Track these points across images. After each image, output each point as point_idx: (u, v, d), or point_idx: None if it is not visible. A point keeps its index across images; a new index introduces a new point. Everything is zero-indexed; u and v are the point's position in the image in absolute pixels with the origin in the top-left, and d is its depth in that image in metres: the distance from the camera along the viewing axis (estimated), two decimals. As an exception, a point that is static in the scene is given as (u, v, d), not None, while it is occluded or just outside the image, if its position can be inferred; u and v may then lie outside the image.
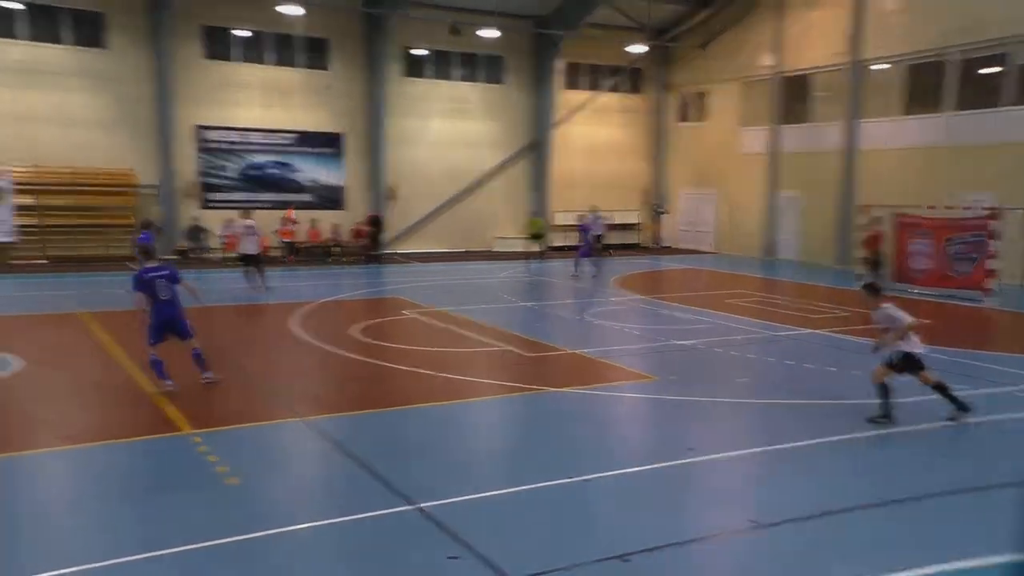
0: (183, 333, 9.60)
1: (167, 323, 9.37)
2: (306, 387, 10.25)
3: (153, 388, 9.44)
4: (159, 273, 9.42)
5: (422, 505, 6.18)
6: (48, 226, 22.89)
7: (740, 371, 11.06)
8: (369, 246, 26.40)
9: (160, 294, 9.30)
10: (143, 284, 9.27)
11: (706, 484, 7.02)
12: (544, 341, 13.05)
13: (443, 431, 8.48)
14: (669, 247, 31.92)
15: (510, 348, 12.49)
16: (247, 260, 18.11)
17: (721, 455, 7.58)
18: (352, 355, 11.78)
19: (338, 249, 26.20)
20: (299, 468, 7.49)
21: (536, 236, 27.49)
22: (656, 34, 30.65)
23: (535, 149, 30.64)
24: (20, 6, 22.28)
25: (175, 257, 23.80)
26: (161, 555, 5.34)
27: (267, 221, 25.17)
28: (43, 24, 22.82)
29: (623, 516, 6.20)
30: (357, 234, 26.77)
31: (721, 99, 30.30)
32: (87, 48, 23.49)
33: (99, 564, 5.24)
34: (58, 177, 23.10)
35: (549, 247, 28.59)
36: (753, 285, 20.80)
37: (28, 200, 22.45)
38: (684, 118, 32.36)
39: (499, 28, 26.91)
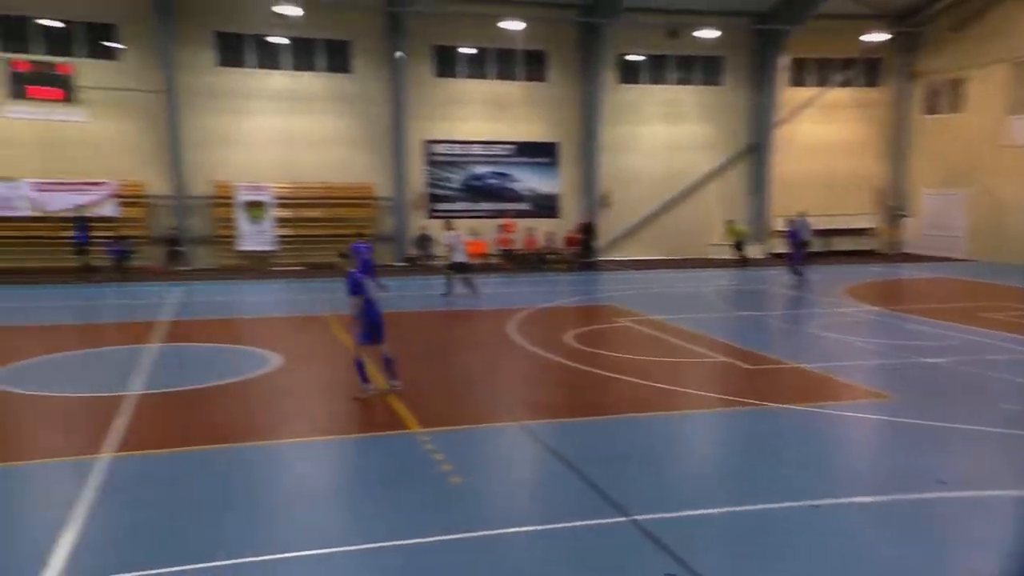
0: (383, 336, 9.85)
1: (376, 325, 9.72)
2: (523, 391, 10.56)
3: (386, 387, 10.22)
4: (363, 277, 9.82)
5: (637, 517, 6.11)
6: (303, 236, 25.74)
7: (1001, 396, 9.72)
8: (581, 253, 26.73)
9: (370, 295, 9.74)
10: (359, 286, 9.67)
11: (964, 525, 6.22)
12: (764, 353, 12.39)
13: (658, 443, 8.33)
14: (910, 253, 28.96)
15: (727, 359, 12.00)
16: (457, 268, 19.09)
17: (981, 493, 6.70)
18: (566, 361, 11.96)
19: (552, 256, 26.80)
20: (517, 471, 7.72)
21: (738, 243, 26.29)
22: (898, 19, 27.97)
23: (755, 151, 29.28)
24: (285, 40, 25.30)
25: (405, 264, 25.74)
26: (392, 545, 5.75)
27: (486, 229, 26.50)
28: (302, 55, 25.70)
29: (867, 550, 5.69)
30: (570, 241, 27.22)
31: (983, 85, 26.95)
32: (336, 74, 26.08)
33: (335, 549, 5.76)
34: (312, 192, 25.90)
35: (771, 253, 27.12)
36: (1018, 297, 18.24)
37: (287, 213, 25.43)
38: (932, 110, 29.21)
39: (718, 28, 26.03)
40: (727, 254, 26.81)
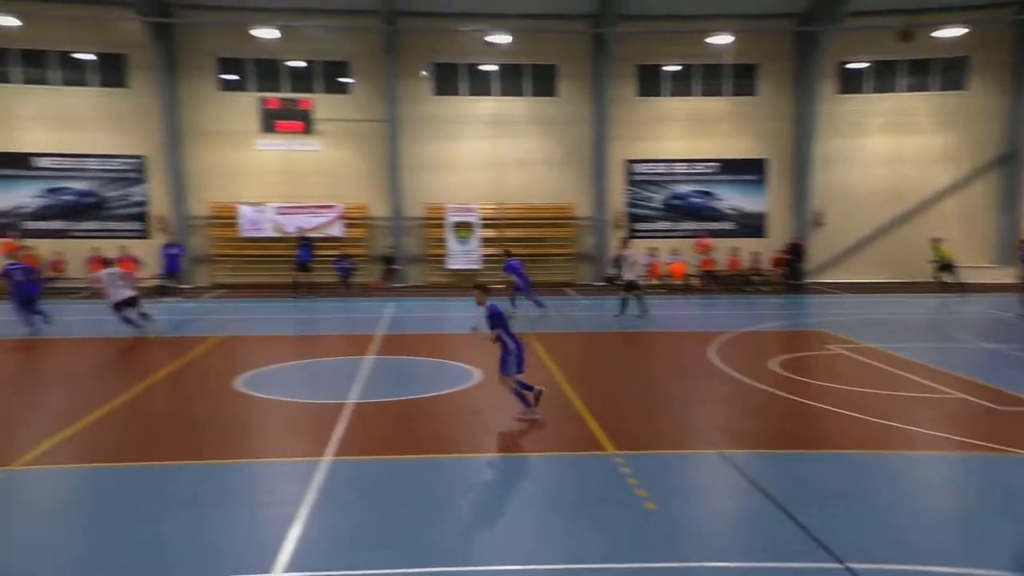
0: (523, 366, 9.96)
1: (521, 355, 9.83)
2: (723, 418, 10.11)
3: (582, 406, 10.23)
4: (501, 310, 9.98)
5: (853, 566, 5.58)
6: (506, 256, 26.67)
7: None
8: (789, 275, 25.21)
9: (511, 327, 9.89)
10: (499, 318, 9.83)
11: None
12: (1015, 392, 10.88)
13: (876, 483, 7.57)
14: None
15: (964, 396, 10.69)
16: (629, 287, 18.72)
17: None
18: (772, 389, 11.29)
19: (757, 278, 25.54)
20: (715, 502, 7.38)
21: (945, 266, 23.38)
22: None
23: (1007, 162, 26.02)
24: (494, 68, 26.52)
25: (603, 284, 25.75)
26: (586, 568, 5.71)
27: (687, 250, 25.86)
28: (510, 81, 26.77)
29: None
30: (776, 262, 25.79)
31: None
32: (541, 98, 26.86)
33: (531, 567, 5.81)
34: (515, 213, 26.81)
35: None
36: None
37: (491, 233, 26.53)
38: None
39: (965, 24, 23.51)
40: (970, 278, 24.02)
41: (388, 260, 25.86)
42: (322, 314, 20.10)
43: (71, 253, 24.01)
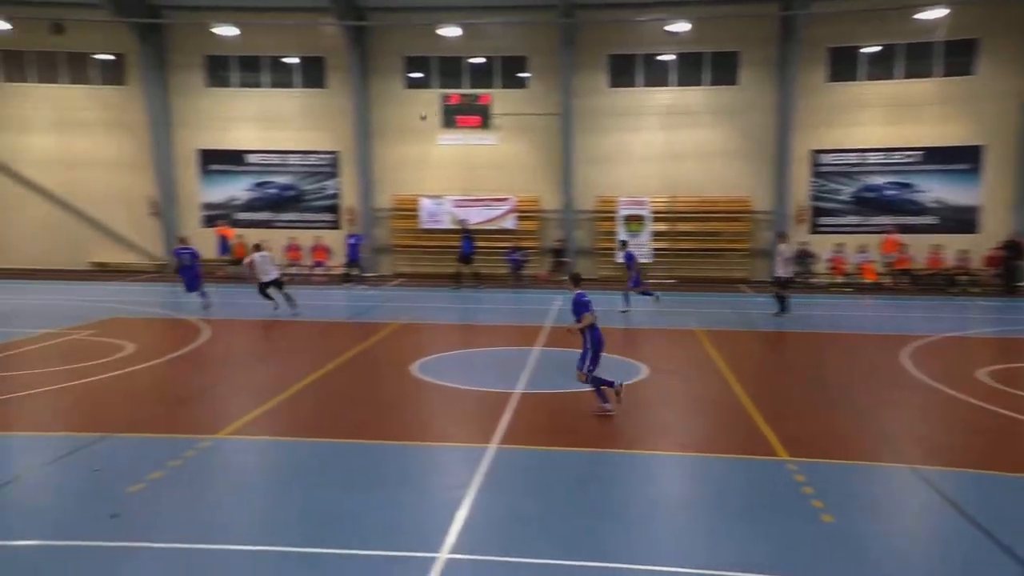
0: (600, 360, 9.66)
1: (600, 349, 9.64)
2: (917, 430, 9.22)
3: (753, 407, 9.73)
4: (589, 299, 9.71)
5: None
6: (677, 250, 26.02)
7: None
8: (1005, 276, 22.52)
9: (596, 320, 9.63)
10: (587, 309, 9.68)
11: None
12: None
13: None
14: None
15: None
16: (780, 283, 17.57)
17: None
18: (979, 402, 10.14)
19: (965, 278, 23.05)
20: (903, 520, 6.74)
21: None
22: None
23: None
24: (672, 57, 25.87)
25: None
26: (752, 577, 5.42)
27: (873, 246, 23.89)
28: (688, 70, 25.93)
29: None
30: (990, 261, 23.13)
31: None
32: (721, 87, 25.85)
33: (692, 570, 5.61)
34: (688, 206, 26.05)
35: None
36: None
37: (663, 227, 25.95)
38: None
39: None
40: None
41: (558, 253, 26.07)
42: (493, 304, 20.63)
43: (272, 241, 26.30)
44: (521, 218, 26.45)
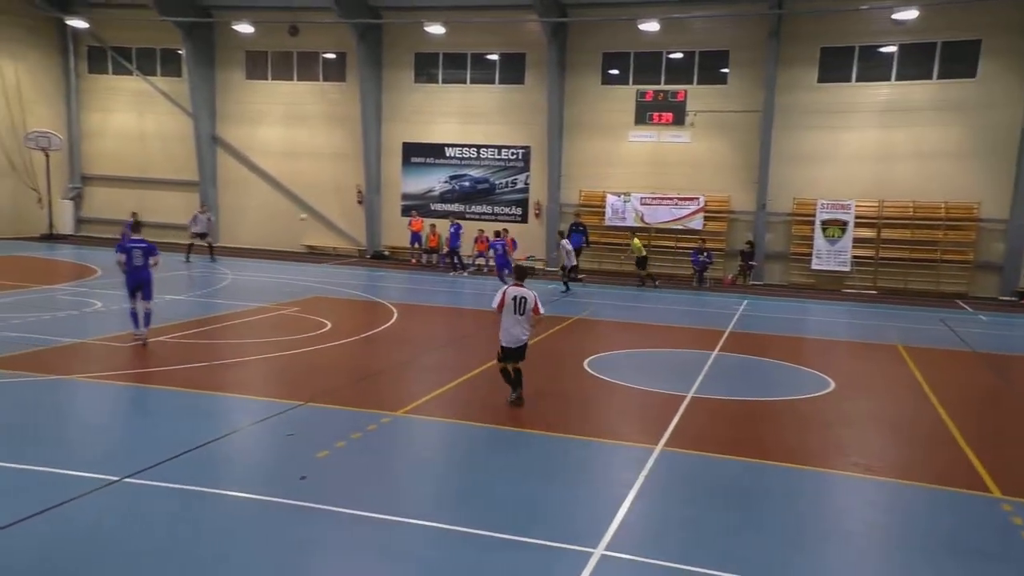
0: None
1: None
2: None
3: (960, 435, 8.74)
4: None
5: None
6: (883, 258, 23.93)
7: None
8: None
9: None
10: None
11: None
12: None
13: None
14: None
15: None
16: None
17: None
18: None
19: None
20: None
21: None
22: None
23: None
24: (893, 48, 23.75)
25: (1014, 299, 21.71)
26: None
27: None
28: (912, 62, 23.61)
29: None
30: None
31: None
32: (953, 80, 23.28)
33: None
34: (899, 211, 23.85)
35: None
36: None
37: (868, 233, 23.96)
38: None
39: None
40: None
41: (746, 256, 24.93)
42: (673, 305, 20.16)
43: (464, 233, 27.42)
44: (709, 218, 25.59)
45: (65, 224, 30.37)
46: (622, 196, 26.19)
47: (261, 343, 12.87)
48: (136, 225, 13.79)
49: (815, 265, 24.45)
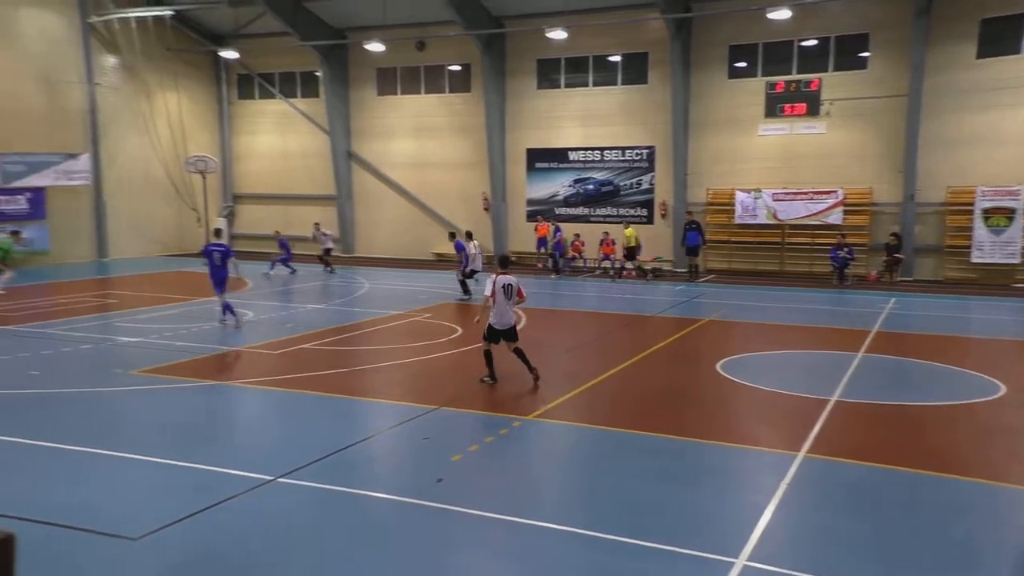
0: None
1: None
2: None
3: None
4: None
5: None
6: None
7: None
8: None
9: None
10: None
11: None
12: None
13: None
14: None
15: None
16: None
17: None
18: None
19: None
20: None
21: None
22: None
23: None
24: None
25: None
26: None
27: None
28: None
29: None
30: None
31: None
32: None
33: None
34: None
35: None
36: None
37: (1036, 221, 21.84)
38: None
39: None
40: None
41: (892, 250, 23.33)
42: (812, 304, 19.18)
43: (587, 235, 27.32)
44: (848, 212, 24.17)
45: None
46: (752, 193, 25.23)
47: (396, 349, 13.37)
48: (217, 231, 16.32)
49: (976, 258, 22.53)
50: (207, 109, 33.07)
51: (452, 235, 21.92)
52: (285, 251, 24.64)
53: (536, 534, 6.13)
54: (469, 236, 20.82)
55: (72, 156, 26.50)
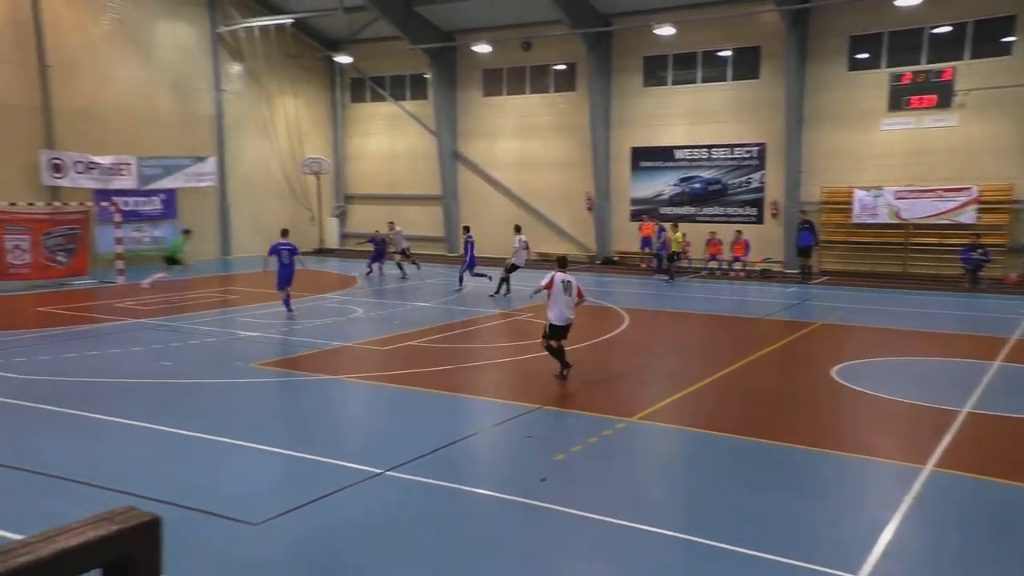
0: None
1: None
2: None
3: None
4: None
5: None
6: None
7: None
8: None
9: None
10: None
11: None
12: None
13: None
14: None
15: None
16: None
17: None
18: None
19: None
20: None
21: None
22: None
23: None
24: None
25: None
26: None
27: None
28: None
29: None
30: None
31: None
32: None
33: None
34: None
35: None
36: None
37: None
38: None
39: None
40: None
41: (1033, 252, 21.55)
42: (940, 309, 17.97)
43: (693, 235, 26.64)
44: (983, 210, 22.48)
45: (332, 239, 34.16)
46: (872, 190, 23.90)
47: (499, 347, 13.47)
48: (284, 231, 17.31)
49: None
50: (322, 112, 34.44)
51: (517, 228, 21.77)
52: (378, 250, 24.62)
53: (641, 538, 6.00)
54: (517, 230, 20.82)
55: (200, 159, 28.17)
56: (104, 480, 6.94)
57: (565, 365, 10.80)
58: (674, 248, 24.05)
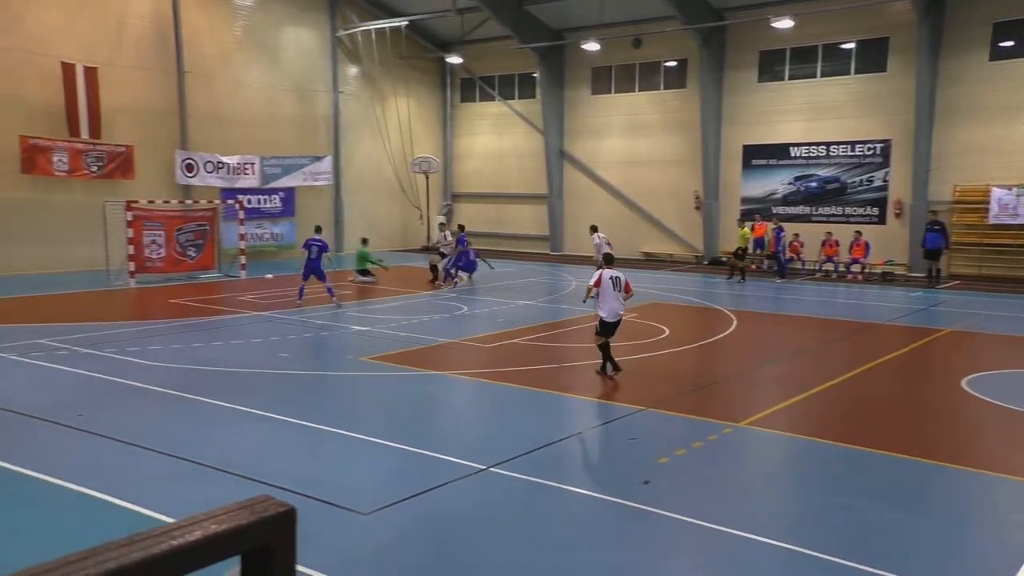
0: None
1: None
2: None
3: None
4: None
5: None
6: None
7: None
8: None
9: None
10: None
11: None
12: None
13: None
14: None
15: None
16: None
17: None
18: None
19: None
20: None
21: None
22: None
23: None
24: None
25: None
26: None
27: None
28: None
29: None
30: None
31: None
32: None
33: None
34: None
35: None
36: None
37: None
38: None
39: None
40: None
41: None
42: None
43: (808, 236, 25.51)
44: None
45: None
46: (1015, 189, 22.16)
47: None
48: (318, 228, 18.61)
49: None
50: (432, 112, 35.21)
51: (594, 228, 21.56)
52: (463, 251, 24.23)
53: (747, 547, 5.79)
54: (594, 229, 21.03)
55: (317, 158, 29.41)
56: (231, 466, 7.31)
57: (614, 365, 10.95)
58: (740, 244, 23.30)
